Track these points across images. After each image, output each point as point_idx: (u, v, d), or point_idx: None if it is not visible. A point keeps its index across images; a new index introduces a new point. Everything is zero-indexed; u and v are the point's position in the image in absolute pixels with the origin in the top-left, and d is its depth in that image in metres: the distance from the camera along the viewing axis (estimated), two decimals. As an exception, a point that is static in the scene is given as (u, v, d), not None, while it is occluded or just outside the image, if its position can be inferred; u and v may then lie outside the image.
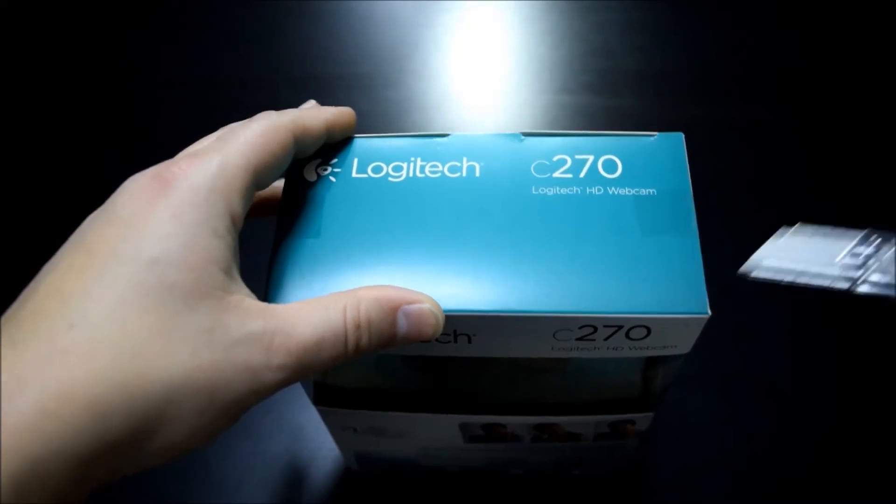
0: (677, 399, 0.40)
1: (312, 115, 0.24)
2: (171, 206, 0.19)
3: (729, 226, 0.46)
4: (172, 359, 0.18)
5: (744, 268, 0.20)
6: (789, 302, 0.43)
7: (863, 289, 0.18)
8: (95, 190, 0.49)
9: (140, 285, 0.18)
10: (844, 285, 0.18)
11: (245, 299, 0.20)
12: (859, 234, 0.19)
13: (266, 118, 0.22)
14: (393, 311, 0.21)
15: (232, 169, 0.21)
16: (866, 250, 0.18)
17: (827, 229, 0.19)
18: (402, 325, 0.21)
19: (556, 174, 0.24)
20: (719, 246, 0.45)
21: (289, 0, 0.58)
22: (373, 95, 0.53)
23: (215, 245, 0.20)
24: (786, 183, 0.48)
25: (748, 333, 0.42)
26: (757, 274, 0.19)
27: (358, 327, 0.20)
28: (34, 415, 0.16)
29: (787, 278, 0.18)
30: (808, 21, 0.56)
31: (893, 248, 0.18)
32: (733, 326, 0.42)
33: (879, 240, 0.19)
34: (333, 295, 0.21)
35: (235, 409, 0.19)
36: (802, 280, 0.19)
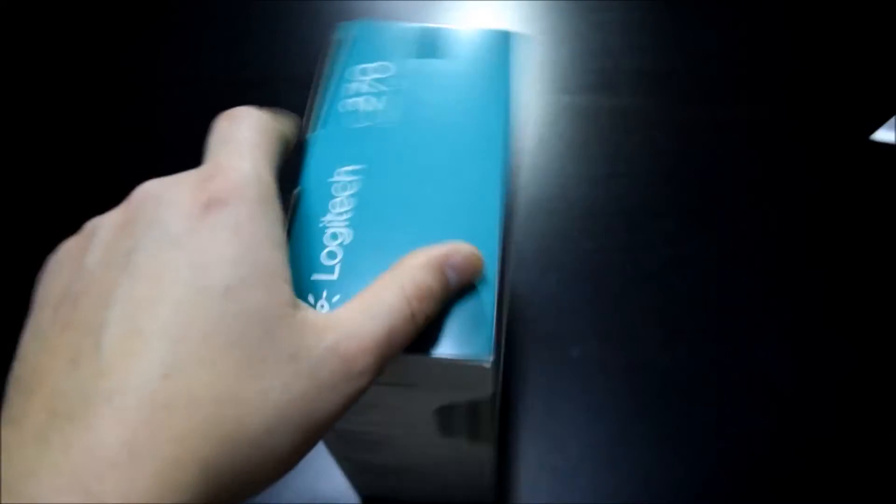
0: (676, 399, 0.40)
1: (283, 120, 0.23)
2: (230, 224, 0.18)
3: (730, 226, 0.46)
4: (267, 397, 0.17)
5: (875, 135, 0.19)
6: (789, 301, 0.43)
7: None
8: (95, 190, 0.49)
9: (222, 318, 0.17)
10: None
11: (309, 311, 0.19)
12: None
13: (248, 115, 0.21)
14: (442, 270, 0.21)
15: (266, 174, 0.20)
16: None
17: None
18: (453, 279, 0.21)
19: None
20: (721, 245, 0.45)
21: (289, 0, 0.58)
22: (373, 95, 0.53)
23: (277, 258, 0.18)
24: (786, 183, 0.48)
25: (747, 333, 0.42)
26: (890, 140, 0.19)
27: (421, 299, 0.20)
28: (154, 489, 0.15)
29: None
30: (808, 21, 0.56)
31: None
32: (733, 326, 0.42)
33: None
34: (379, 280, 0.20)
35: (325, 430, 0.18)
36: None
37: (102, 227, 0.19)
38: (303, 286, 0.22)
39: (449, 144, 0.25)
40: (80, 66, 0.55)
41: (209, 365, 0.16)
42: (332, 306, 0.21)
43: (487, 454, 0.30)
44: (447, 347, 0.21)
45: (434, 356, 0.21)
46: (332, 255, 0.22)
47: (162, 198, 0.18)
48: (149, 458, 0.15)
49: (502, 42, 0.28)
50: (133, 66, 0.55)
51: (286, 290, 0.18)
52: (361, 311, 0.19)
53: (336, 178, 0.24)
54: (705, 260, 0.45)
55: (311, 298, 0.22)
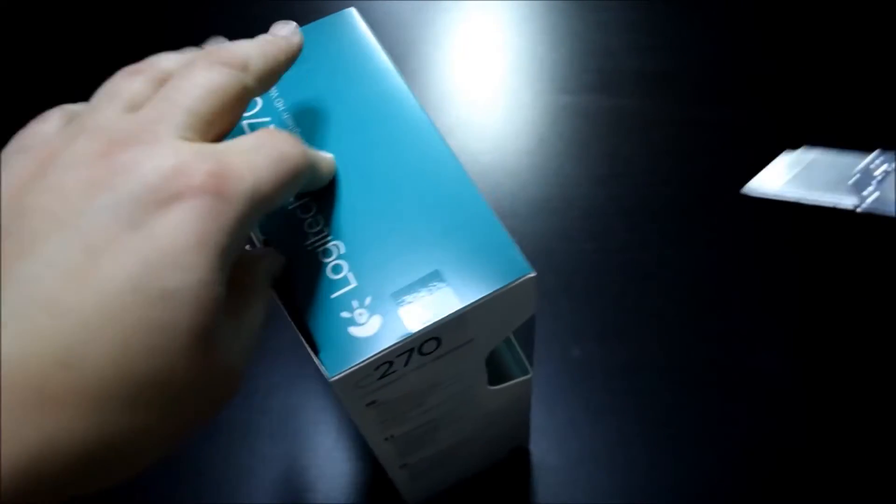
0: (676, 399, 0.40)
1: (322, 155, 0.23)
2: (199, 228, 0.16)
3: (730, 225, 0.46)
4: (162, 420, 0.16)
5: (747, 188, 0.21)
6: (789, 302, 0.43)
7: (867, 206, 0.20)
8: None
9: (149, 325, 0.15)
10: (850, 203, 0.19)
11: (223, 335, 0.18)
12: (868, 156, 0.20)
13: (287, 144, 0.20)
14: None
15: (261, 198, 0.18)
16: (873, 170, 0.20)
17: (832, 151, 0.20)
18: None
19: None
20: (721, 245, 0.45)
21: (288, 0, 0.58)
22: (372, 95, 0.53)
23: (224, 280, 0.17)
24: (785, 183, 0.48)
25: (748, 333, 0.42)
26: (762, 193, 0.20)
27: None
28: (16, 474, 0.14)
29: (793, 196, 0.20)
30: (809, 21, 0.56)
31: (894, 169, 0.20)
32: (733, 326, 0.42)
33: (885, 161, 0.20)
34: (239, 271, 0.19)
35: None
36: (809, 198, 0.20)
37: (76, 147, 0.17)
38: (328, 307, 0.22)
39: (363, 124, 0.25)
40: (80, 67, 0.55)
41: (116, 367, 0.15)
42: (369, 311, 0.21)
43: (529, 385, 0.30)
44: (495, 283, 0.22)
45: (488, 296, 0.21)
46: (337, 268, 0.22)
47: (146, 156, 0.17)
48: (12, 444, 0.14)
49: (342, 23, 0.28)
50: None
51: (219, 317, 0.17)
52: (233, 314, 0.19)
53: (293, 205, 0.24)
54: (705, 260, 0.45)
55: (345, 315, 0.21)
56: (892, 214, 0.19)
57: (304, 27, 0.29)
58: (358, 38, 0.28)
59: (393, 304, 0.22)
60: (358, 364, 0.21)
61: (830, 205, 0.20)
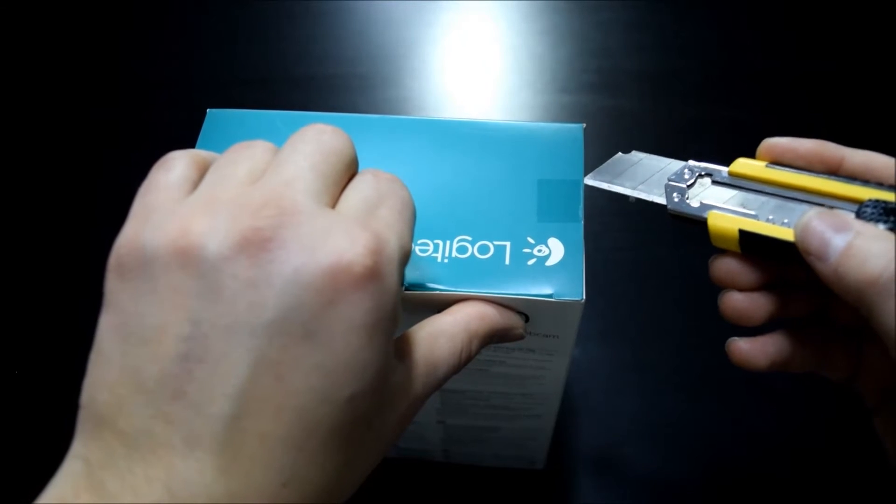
0: (676, 399, 0.40)
1: None
2: (367, 322, 0.17)
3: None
4: (354, 476, 0.19)
5: (584, 179, 0.24)
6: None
7: (675, 208, 0.25)
8: (95, 192, 0.49)
9: (340, 425, 0.17)
10: (662, 201, 0.25)
11: (395, 378, 0.19)
12: (681, 163, 0.25)
13: (398, 186, 0.20)
14: (489, 340, 0.23)
15: (405, 255, 0.19)
16: (686, 177, 0.24)
17: (656, 156, 0.24)
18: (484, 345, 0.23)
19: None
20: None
21: (287, 0, 0.58)
22: (371, 95, 0.53)
23: (392, 353, 0.18)
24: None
25: (748, 333, 0.42)
26: (596, 185, 0.24)
27: (467, 360, 0.22)
28: None
29: (621, 191, 0.23)
30: (810, 21, 0.56)
31: (708, 181, 0.24)
32: (733, 326, 0.42)
33: (693, 172, 0.24)
34: (445, 326, 0.21)
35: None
36: (634, 194, 0.24)
37: (222, 261, 0.16)
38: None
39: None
40: (77, 68, 0.55)
41: (321, 468, 0.17)
42: None
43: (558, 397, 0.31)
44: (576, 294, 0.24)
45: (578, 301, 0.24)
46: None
47: (298, 245, 0.16)
48: None
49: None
50: (130, 68, 0.55)
51: (391, 384, 0.19)
52: (424, 368, 0.20)
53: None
54: (706, 260, 0.45)
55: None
56: (693, 217, 0.25)
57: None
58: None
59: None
60: None
61: (649, 200, 0.24)
